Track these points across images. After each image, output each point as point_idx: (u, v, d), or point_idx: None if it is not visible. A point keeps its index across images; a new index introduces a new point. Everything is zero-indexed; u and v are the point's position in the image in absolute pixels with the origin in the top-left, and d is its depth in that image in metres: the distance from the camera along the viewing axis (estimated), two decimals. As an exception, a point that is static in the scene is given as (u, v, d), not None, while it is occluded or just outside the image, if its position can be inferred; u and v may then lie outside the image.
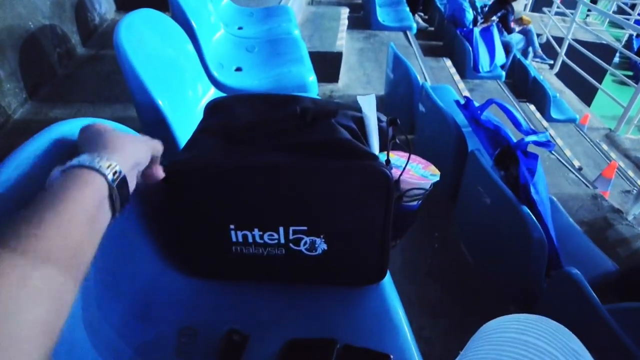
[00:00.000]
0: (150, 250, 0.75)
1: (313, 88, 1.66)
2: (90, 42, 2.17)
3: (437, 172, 0.75)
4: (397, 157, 0.77)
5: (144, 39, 1.02)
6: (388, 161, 0.70)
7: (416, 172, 0.74)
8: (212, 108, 0.79)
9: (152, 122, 0.95)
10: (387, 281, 0.78)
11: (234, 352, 0.69)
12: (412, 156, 0.75)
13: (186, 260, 0.78)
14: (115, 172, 0.45)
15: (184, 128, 1.03)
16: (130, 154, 0.50)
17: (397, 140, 0.79)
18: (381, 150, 0.76)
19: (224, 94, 1.46)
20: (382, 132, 0.75)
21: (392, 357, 0.65)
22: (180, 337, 0.72)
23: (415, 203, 0.73)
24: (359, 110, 0.76)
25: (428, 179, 0.72)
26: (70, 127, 0.56)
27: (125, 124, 0.70)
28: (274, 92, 1.57)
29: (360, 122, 0.75)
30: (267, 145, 0.67)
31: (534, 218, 1.20)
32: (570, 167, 2.62)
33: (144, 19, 1.08)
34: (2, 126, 1.53)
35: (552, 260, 1.27)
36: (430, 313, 1.46)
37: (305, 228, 0.69)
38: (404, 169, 0.71)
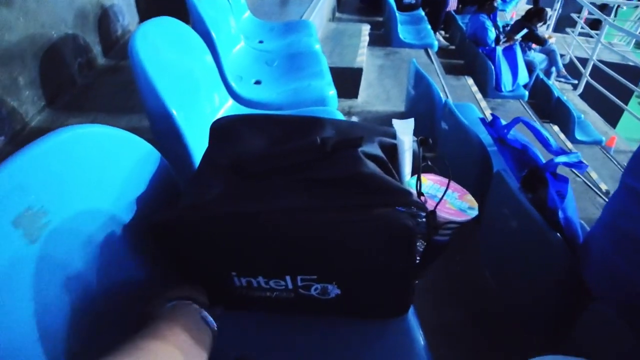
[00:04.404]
0: (153, 273, 0.70)
1: (333, 102, 1.62)
2: (111, 53, 2.18)
3: (475, 205, 0.65)
4: (431, 183, 0.68)
5: (160, 48, 0.99)
6: (420, 193, 0.62)
7: (453, 205, 0.64)
8: (219, 131, 0.72)
9: (164, 132, 0.91)
10: (410, 315, 0.72)
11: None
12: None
13: None
14: None
15: (198, 139, 0.99)
16: None
17: (429, 162, 0.70)
18: (413, 174, 0.69)
19: (242, 106, 1.42)
20: (413, 155, 0.69)
21: None
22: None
23: (447, 237, 0.66)
24: (388, 133, 0.69)
25: (466, 213, 0.63)
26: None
27: (140, 133, 0.67)
28: (292, 106, 1.54)
29: (389, 148, 0.67)
30: (280, 183, 0.60)
31: (566, 245, 1.12)
32: (597, 191, 2.51)
33: (162, 27, 1.05)
34: (18, 133, 1.52)
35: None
36: (452, 342, 1.38)
37: (314, 277, 0.61)
38: (440, 200, 0.62)
